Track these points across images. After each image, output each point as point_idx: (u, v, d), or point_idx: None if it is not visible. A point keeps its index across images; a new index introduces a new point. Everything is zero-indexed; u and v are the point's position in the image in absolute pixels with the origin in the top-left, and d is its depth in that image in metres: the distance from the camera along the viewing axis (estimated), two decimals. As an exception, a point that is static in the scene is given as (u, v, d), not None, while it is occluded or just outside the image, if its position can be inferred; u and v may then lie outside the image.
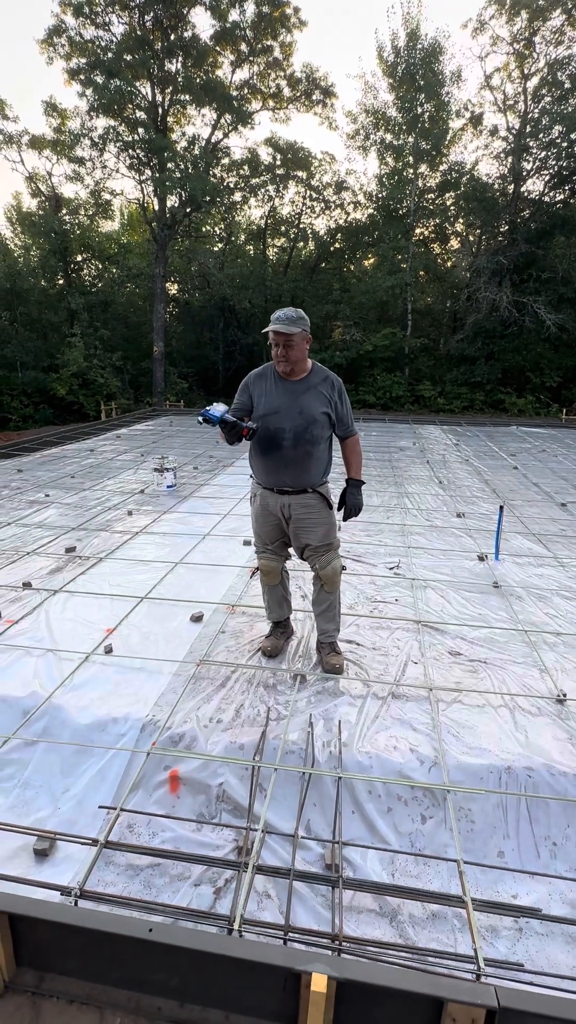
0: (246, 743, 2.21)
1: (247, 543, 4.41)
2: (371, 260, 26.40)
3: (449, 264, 23.75)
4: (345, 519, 2.62)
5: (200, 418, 2.22)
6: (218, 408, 2.15)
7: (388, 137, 19.04)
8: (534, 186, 17.85)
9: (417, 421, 14.29)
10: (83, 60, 15.62)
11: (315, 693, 2.52)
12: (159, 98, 16.91)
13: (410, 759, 2.14)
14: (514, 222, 17.94)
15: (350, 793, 2.06)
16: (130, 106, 16.27)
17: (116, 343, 20.09)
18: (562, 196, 17.42)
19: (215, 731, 2.27)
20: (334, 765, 2.13)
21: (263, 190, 20.56)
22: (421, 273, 23.97)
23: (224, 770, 2.14)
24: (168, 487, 6.40)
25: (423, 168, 19.07)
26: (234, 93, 17.32)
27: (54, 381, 16.93)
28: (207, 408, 2.22)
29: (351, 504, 2.56)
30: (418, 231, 21.03)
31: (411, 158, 18.63)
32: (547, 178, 17.43)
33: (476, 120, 18.04)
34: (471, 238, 20.25)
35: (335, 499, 2.65)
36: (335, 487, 2.79)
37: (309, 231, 22.85)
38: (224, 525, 5.07)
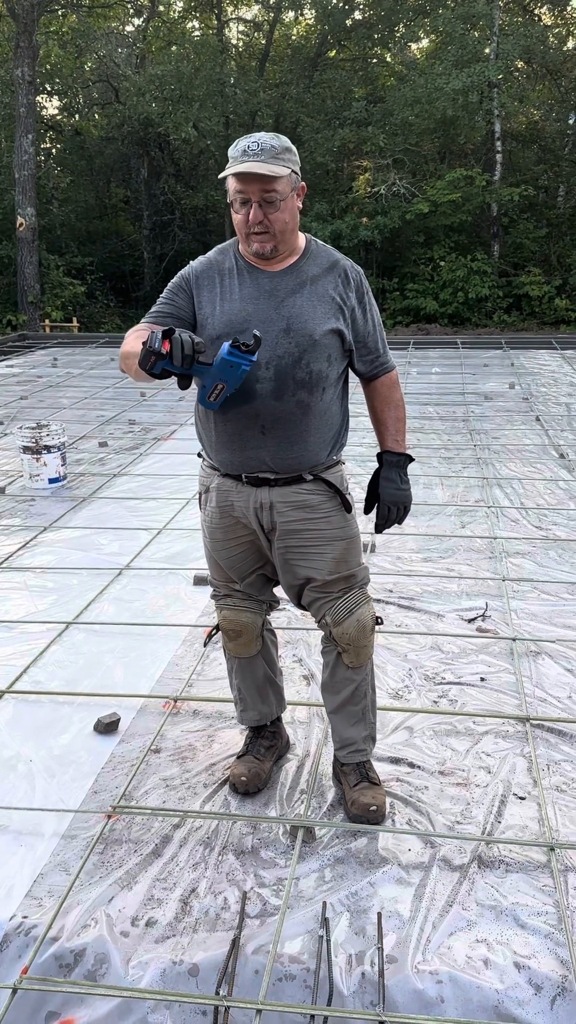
0: (203, 963, 2.21)
1: (201, 580, 4.43)
2: (424, 42, 26.66)
3: (572, 43, 24.08)
4: (379, 529, 2.66)
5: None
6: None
7: None
8: None
9: (517, 343, 14.43)
10: None
11: (332, 862, 2.53)
12: None
13: (517, 983, 2.13)
14: None
15: (403, 1052, 2.07)
16: None
17: None
18: None
19: (143, 942, 2.27)
20: (371, 1000, 2.12)
21: None
22: (519, 64, 24.24)
23: (163, 1016, 2.13)
24: (52, 481, 6.44)
25: None
26: None
27: None
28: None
29: (389, 500, 2.61)
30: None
31: None
32: None
33: None
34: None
35: (360, 492, 2.66)
36: (363, 471, 2.79)
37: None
38: (158, 549, 5.12)
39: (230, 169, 2.28)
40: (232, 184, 2.32)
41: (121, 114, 24.24)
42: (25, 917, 2.34)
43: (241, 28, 28.47)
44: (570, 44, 25.09)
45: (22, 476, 6.51)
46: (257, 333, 2.21)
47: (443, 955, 2.20)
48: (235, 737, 3.11)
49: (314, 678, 3.50)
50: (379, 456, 2.65)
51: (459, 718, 3.25)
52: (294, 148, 2.38)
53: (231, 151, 2.32)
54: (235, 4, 27.43)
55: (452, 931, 2.28)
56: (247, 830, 2.66)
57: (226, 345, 2.19)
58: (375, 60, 26.52)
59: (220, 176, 2.34)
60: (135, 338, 2.36)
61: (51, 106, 27.48)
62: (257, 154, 2.27)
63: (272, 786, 2.85)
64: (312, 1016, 2.07)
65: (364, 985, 2.15)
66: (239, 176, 2.28)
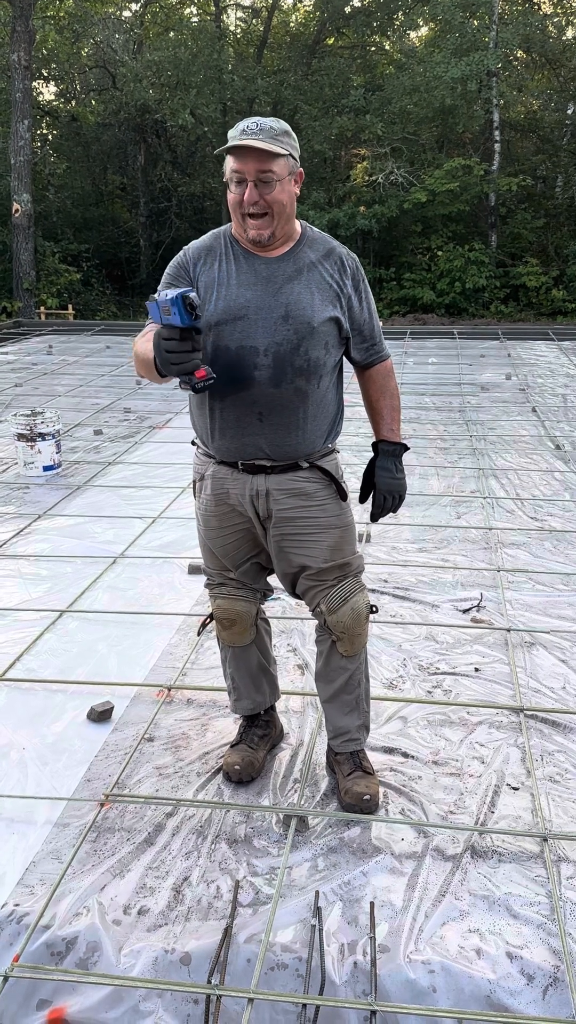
0: (195, 952, 2.21)
1: (196, 569, 4.42)
2: (423, 30, 26.55)
3: (571, 33, 23.97)
4: (374, 518, 2.65)
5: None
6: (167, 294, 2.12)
7: None
8: None
9: (514, 334, 14.41)
10: None
11: (325, 851, 2.54)
12: None
13: (509, 973, 2.14)
14: None
15: (395, 1041, 2.06)
16: None
17: None
18: None
19: (135, 931, 2.27)
20: (363, 990, 2.13)
21: None
22: (519, 54, 24.16)
23: (154, 1004, 2.13)
24: (46, 469, 6.42)
25: None
26: None
27: None
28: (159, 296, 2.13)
29: (385, 489, 2.60)
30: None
31: None
32: None
33: None
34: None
35: (355, 481, 2.66)
36: (359, 461, 2.78)
37: (303, -22, 22.95)
38: (153, 538, 5.10)
39: (230, 144, 2.27)
40: (229, 162, 2.30)
41: (118, 100, 24.09)
42: (17, 905, 2.34)
43: (239, 14, 28.31)
44: (569, 33, 24.99)
45: (16, 464, 6.49)
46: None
47: (435, 945, 2.20)
48: (229, 726, 3.11)
49: (308, 667, 3.50)
50: (374, 445, 2.64)
51: (453, 708, 3.25)
52: (294, 134, 2.36)
53: (231, 132, 2.30)
54: (234, -10, 27.28)
55: (444, 921, 2.28)
56: (240, 819, 2.66)
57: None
58: (373, 48, 26.40)
59: (217, 152, 2.32)
60: (147, 341, 2.32)
61: (48, 92, 27.35)
62: (256, 133, 2.25)
63: (265, 775, 2.85)
64: (304, 1005, 2.07)
65: (356, 974, 2.15)
66: (236, 153, 2.26)
